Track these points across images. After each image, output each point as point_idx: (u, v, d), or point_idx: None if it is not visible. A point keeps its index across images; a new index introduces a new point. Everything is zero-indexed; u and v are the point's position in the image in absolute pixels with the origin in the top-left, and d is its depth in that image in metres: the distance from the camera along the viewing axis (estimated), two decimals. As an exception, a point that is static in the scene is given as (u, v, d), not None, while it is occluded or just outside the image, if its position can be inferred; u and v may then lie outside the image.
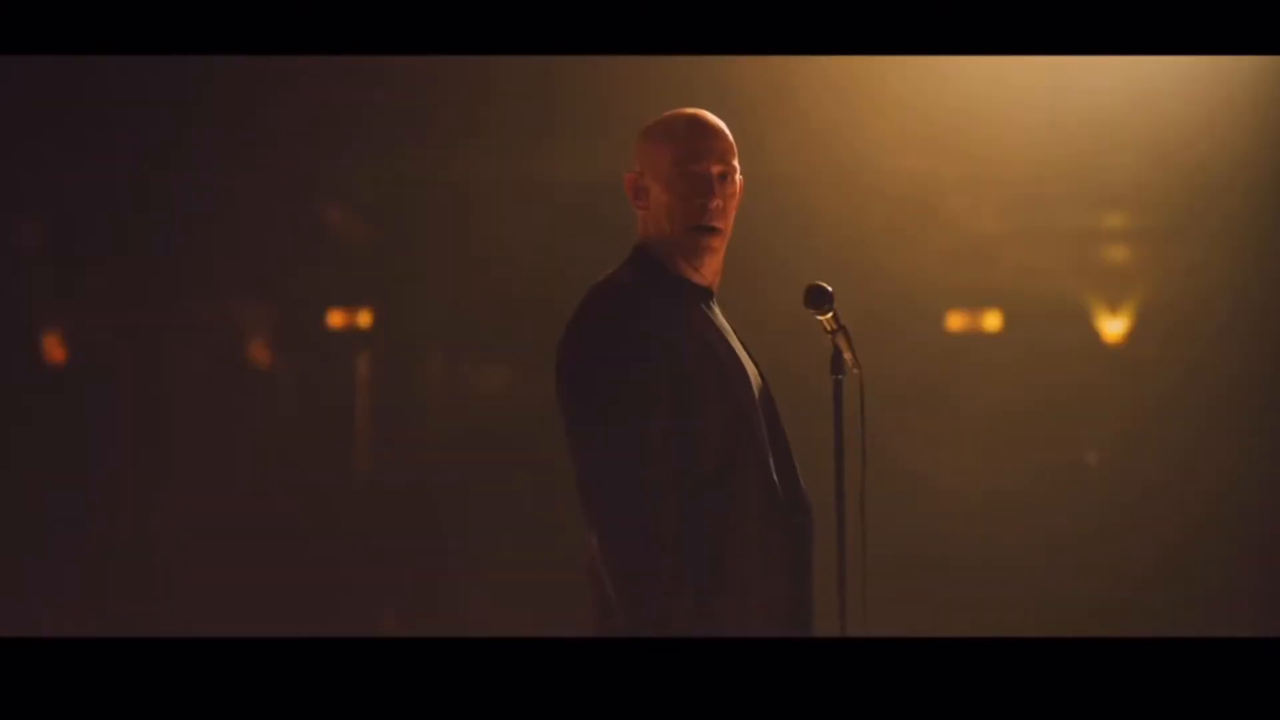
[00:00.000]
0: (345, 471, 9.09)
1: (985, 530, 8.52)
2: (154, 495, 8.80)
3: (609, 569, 3.80)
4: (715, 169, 4.08)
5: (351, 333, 9.15)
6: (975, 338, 8.96)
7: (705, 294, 4.12)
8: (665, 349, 3.92)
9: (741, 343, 4.15)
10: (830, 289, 4.15)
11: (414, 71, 8.19)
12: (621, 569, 3.79)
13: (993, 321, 8.95)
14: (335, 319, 9.15)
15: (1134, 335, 8.84)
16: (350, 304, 9.13)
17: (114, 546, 8.75)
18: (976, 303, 8.94)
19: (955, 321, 8.97)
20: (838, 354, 4.18)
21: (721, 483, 3.91)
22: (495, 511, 8.65)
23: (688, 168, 4.06)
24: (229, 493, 8.71)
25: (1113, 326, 8.86)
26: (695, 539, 3.84)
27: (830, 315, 4.16)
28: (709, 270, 4.13)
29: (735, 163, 4.12)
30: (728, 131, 4.15)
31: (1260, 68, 8.27)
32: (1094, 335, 8.87)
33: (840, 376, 4.17)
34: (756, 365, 4.15)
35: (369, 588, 8.75)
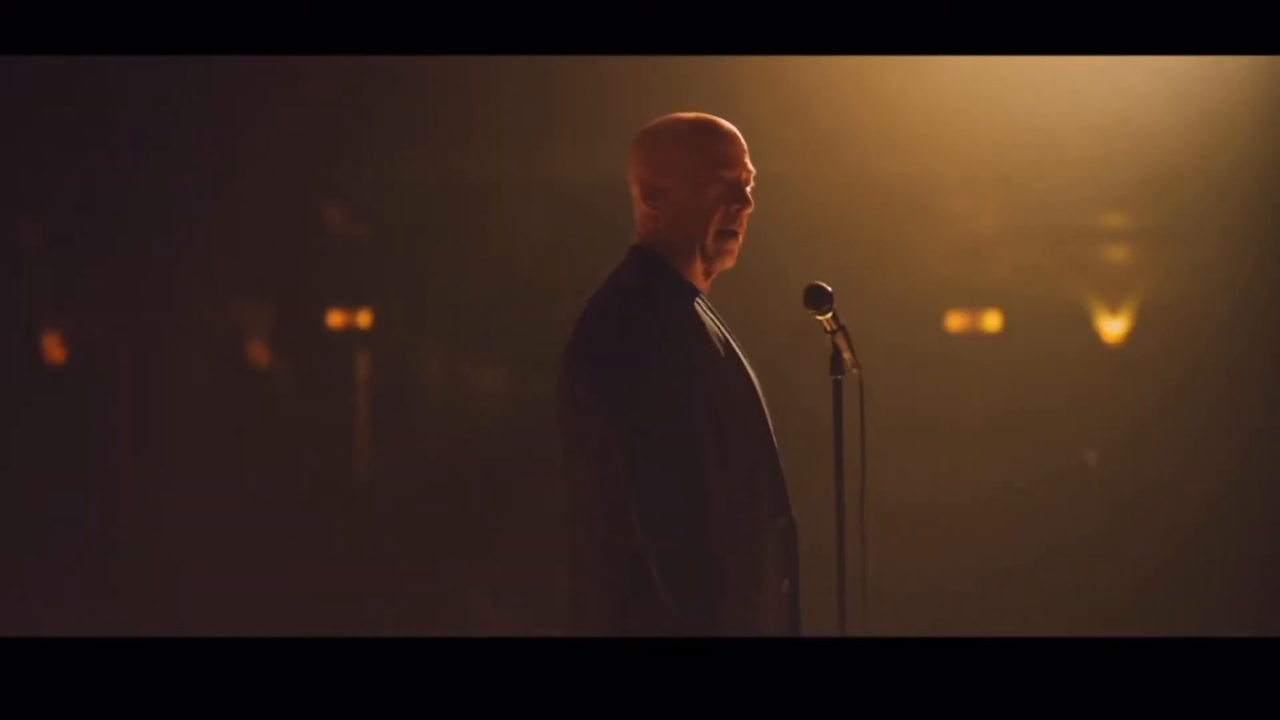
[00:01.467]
0: (345, 471, 9.09)
1: (985, 530, 8.52)
2: (153, 495, 8.80)
3: (673, 571, 3.79)
4: (744, 175, 4.11)
5: (351, 332, 9.15)
6: (975, 338, 8.96)
7: (702, 297, 4.14)
8: (696, 350, 3.93)
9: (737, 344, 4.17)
10: (830, 289, 4.15)
11: (414, 72, 8.19)
12: (685, 572, 3.78)
13: (992, 321, 8.95)
14: (334, 319, 9.15)
15: (1134, 335, 8.84)
16: (349, 303, 9.13)
17: (114, 546, 8.75)
18: (976, 303, 8.94)
19: (955, 321, 8.97)
20: (837, 354, 4.19)
21: (747, 483, 3.93)
22: (495, 511, 8.65)
23: (721, 173, 4.07)
24: (228, 492, 8.70)
25: (1112, 326, 8.86)
26: (732, 539, 3.87)
27: (830, 315, 4.17)
28: (716, 274, 4.15)
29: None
30: None
31: (1260, 68, 8.26)
32: (1094, 335, 8.86)
33: (840, 376, 4.17)
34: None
35: (369, 587, 8.75)
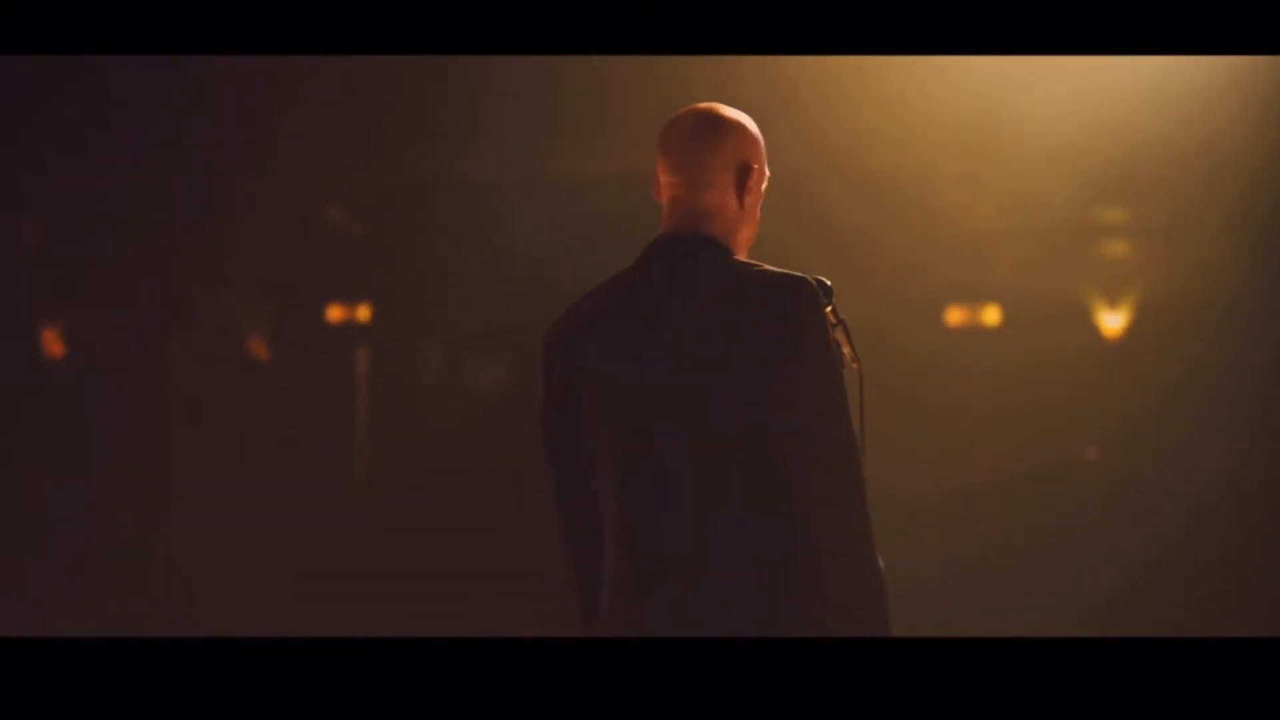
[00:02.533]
0: (345, 468, 9.09)
1: (984, 527, 8.52)
2: (153, 493, 8.79)
3: (868, 539, 3.78)
4: None
5: (351, 328, 9.16)
6: (975, 334, 8.96)
7: None
8: None
9: None
10: (829, 283, 4.15)
11: (414, 70, 8.20)
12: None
13: (992, 317, 8.95)
14: (334, 314, 9.16)
15: (1134, 331, 8.84)
16: (349, 300, 9.14)
17: (114, 545, 8.75)
18: (976, 299, 8.94)
19: (955, 317, 8.98)
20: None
21: None
22: (496, 509, 8.65)
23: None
24: (228, 489, 8.71)
25: (1112, 322, 8.86)
26: None
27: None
28: None
29: None
30: None
31: (1260, 67, 8.26)
32: (1094, 331, 8.87)
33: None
34: None
35: (367, 585, 8.75)
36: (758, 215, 3.98)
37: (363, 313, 9.15)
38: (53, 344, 8.93)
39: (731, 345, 3.76)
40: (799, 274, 3.82)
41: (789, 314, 3.78)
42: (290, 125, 8.64)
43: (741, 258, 3.93)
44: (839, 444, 3.79)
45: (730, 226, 3.92)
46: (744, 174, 3.90)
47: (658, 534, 3.75)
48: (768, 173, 4.00)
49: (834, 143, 8.52)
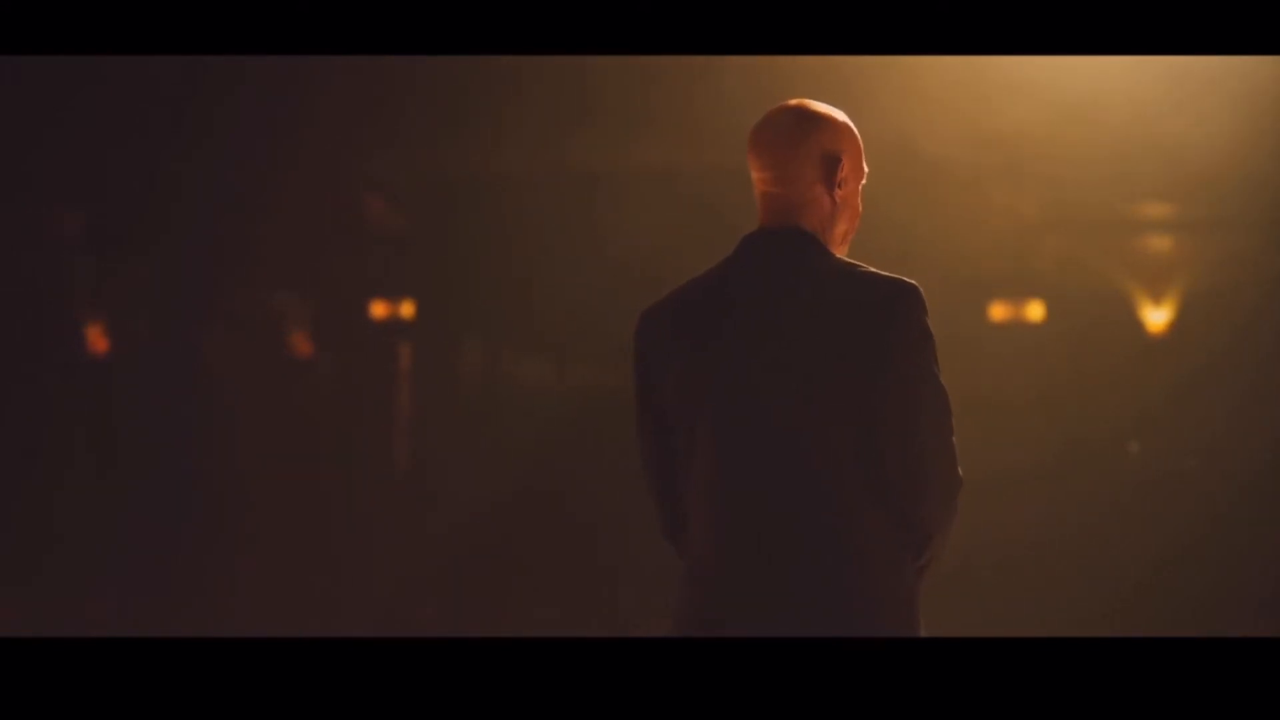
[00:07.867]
0: (385, 463, 9.12)
1: (1028, 519, 8.51)
2: (193, 488, 8.82)
3: (948, 525, 3.99)
4: None
5: (394, 324, 9.18)
6: (1017, 327, 8.96)
7: None
8: None
9: None
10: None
11: (455, 66, 8.21)
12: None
13: (1035, 311, 8.94)
14: (378, 310, 9.18)
15: (1176, 325, 8.82)
16: (392, 295, 9.17)
17: (154, 542, 8.78)
18: (1019, 293, 8.93)
19: (998, 311, 8.97)
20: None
21: None
22: (538, 505, 8.67)
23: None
24: (269, 485, 8.74)
25: (1155, 316, 8.85)
26: None
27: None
28: None
29: None
30: None
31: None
32: (1137, 325, 8.86)
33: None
34: None
35: (408, 581, 8.77)
36: (857, 208, 3.89)
37: (405, 306, 9.18)
38: (95, 339, 8.97)
39: (828, 342, 3.73)
40: (910, 280, 3.78)
41: (896, 319, 3.74)
42: (332, 120, 8.67)
43: (842, 251, 3.89)
44: (932, 455, 3.92)
45: (824, 220, 3.86)
46: (832, 166, 3.84)
47: (730, 545, 3.75)
48: (866, 168, 3.95)
49: (878, 137, 8.48)
